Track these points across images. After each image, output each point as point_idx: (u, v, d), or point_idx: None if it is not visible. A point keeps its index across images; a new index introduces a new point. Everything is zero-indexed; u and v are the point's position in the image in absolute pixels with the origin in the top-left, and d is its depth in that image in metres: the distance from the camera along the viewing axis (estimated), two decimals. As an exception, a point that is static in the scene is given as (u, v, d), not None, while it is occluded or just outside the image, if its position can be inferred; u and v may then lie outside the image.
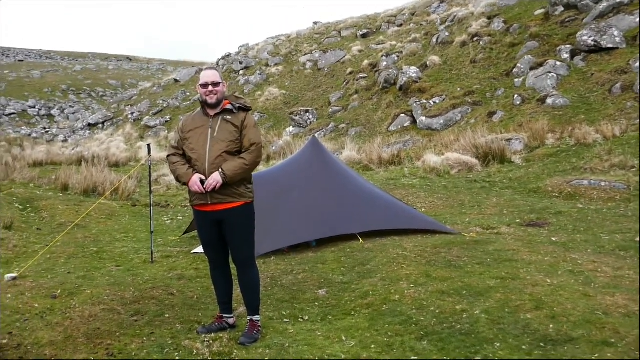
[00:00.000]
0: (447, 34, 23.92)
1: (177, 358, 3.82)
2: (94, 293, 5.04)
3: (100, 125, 39.18)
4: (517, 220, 7.58)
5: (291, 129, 24.30)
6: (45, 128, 45.49)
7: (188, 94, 35.32)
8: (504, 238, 6.44)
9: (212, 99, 4.04)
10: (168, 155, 4.24)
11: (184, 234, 7.93)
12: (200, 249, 7.01)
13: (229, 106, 4.07)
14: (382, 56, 25.52)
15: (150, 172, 6.83)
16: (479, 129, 15.25)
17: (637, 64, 14.35)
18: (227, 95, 4.16)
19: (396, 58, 24.86)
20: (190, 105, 32.91)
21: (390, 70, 22.69)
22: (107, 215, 9.42)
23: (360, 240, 6.61)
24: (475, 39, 21.56)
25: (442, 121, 18.24)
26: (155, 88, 41.27)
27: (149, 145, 6.70)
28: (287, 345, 4.03)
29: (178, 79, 40.71)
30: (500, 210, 8.43)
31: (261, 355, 3.89)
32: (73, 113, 51.25)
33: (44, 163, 19.15)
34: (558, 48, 17.48)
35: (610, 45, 16.00)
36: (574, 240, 6.28)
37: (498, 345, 3.70)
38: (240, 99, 4.19)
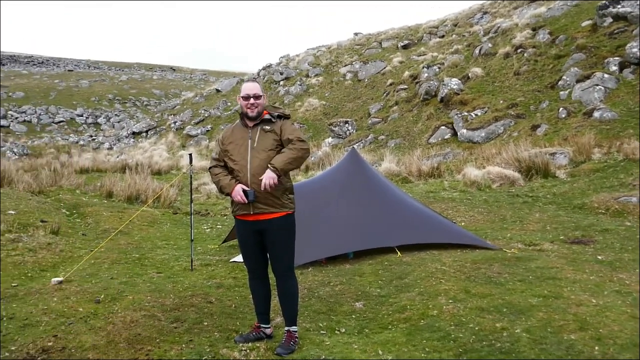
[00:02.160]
0: (490, 45, 23.63)
1: (215, 366, 3.86)
2: (136, 299, 5.15)
3: (144, 134, 40.18)
4: (561, 237, 7.38)
5: (330, 139, 24.39)
6: (91, 136, 46.99)
7: (229, 103, 35.87)
8: (547, 255, 6.27)
9: (252, 112, 4.10)
10: (210, 167, 4.30)
11: (223, 242, 8.03)
12: (239, 258, 7.09)
13: (267, 116, 4.13)
14: (423, 67, 25.39)
15: (191, 180, 6.96)
16: (522, 143, 14.96)
17: (690, 77, 13.83)
18: (266, 106, 4.21)
19: (437, 69, 24.69)
20: (231, 115, 33.43)
21: (431, 82, 22.53)
22: (149, 223, 9.63)
23: (399, 253, 6.55)
24: (519, 50, 21.22)
25: (483, 134, 17.97)
26: (197, 98, 42.12)
27: (190, 154, 6.82)
28: (324, 357, 4.03)
29: (220, 89, 41.44)
30: (543, 226, 8.22)
31: (298, 366, 3.90)
32: (118, 122, 52.82)
33: (90, 170, 19.75)
34: (606, 60, 17.02)
35: (661, 58, 15.50)
36: (622, 259, 6.06)
37: (539, 366, 3.60)
38: (278, 109, 4.24)
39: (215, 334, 4.48)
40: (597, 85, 16.09)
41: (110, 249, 7.61)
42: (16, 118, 51.15)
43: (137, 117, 53.78)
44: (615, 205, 8.95)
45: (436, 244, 6.84)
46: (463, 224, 8.80)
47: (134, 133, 41.53)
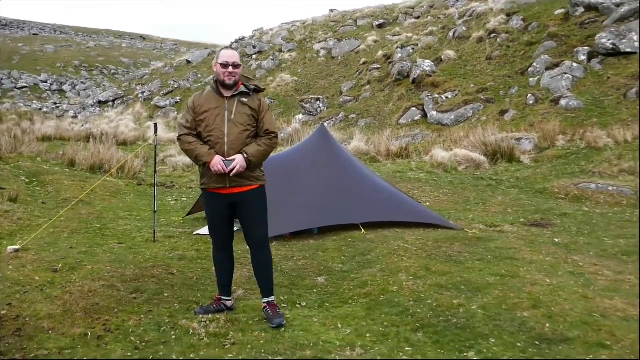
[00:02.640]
0: (464, 28, 23.73)
1: (174, 336, 3.85)
2: (95, 269, 5.08)
3: (111, 103, 39.27)
4: (521, 220, 7.55)
5: (301, 116, 24.26)
6: (56, 103, 45.73)
7: (199, 75, 35.32)
8: (507, 236, 6.41)
9: (230, 80, 3.96)
10: (181, 135, 4.07)
11: (187, 215, 7.96)
12: (203, 231, 7.05)
13: (242, 88, 4.04)
14: (397, 48, 25.38)
15: (155, 151, 6.85)
16: (490, 127, 15.17)
17: (654, 69, 14.18)
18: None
19: (411, 50, 24.72)
20: (200, 87, 32.86)
21: (404, 63, 22.56)
22: (111, 193, 9.47)
23: (363, 230, 6.61)
24: (492, 35, 21.39)
25: (453, 117, 18.14)
26: (167, 68, 41.29)
27: (155, 124, 6.71)
28: (283, 330, 4.05)
29: (190, 60, 40.67)
30: (504, 208, 8.40)
31: (257, 339, 3.90)
32: (84, 90, 51.48)
33: (53, 138, 19.22)
34: (576, 49, 17.29)
35: (629, 50, 15.79)
36: (577, 242, 6.24)
37: (493, 341, 3.69)
38: (251, 80, 4.16)
39: (175, 305, 4.46)
40: (566, 73, 16.36)
41: (70, 218, 7.47)
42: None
43: (104, 85, 52.44)
44: (574, 191, 9.19)
45: (400, 222, 6.91)
46: (428, 204, 8.91)
47: (100, 102, 40.57)
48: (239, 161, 3.93)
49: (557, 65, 16.88)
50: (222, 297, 4.39)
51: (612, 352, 3.42)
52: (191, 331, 3.93)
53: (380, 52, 26.11)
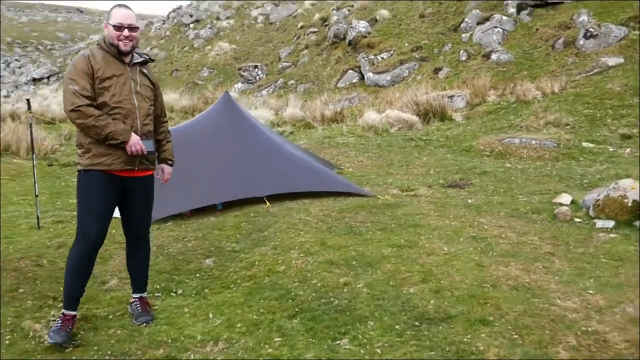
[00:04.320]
0: (399, -14, 23.19)
1: (7, 342, 3.33)
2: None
3: (46, 80, 37.45)
4: (440, 181, 7.25)
5: (240, 85, 23.49)
6: (-14, 83, 43.22)
7: (135, 47, 33.77)
8: (418, 201, 6.08)
9: (127, 46, 3.36)
10: (80, 106, 3.23)
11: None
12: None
13: (138, 58, 3.49)
14: (333, 10, 24.68)
15: (31, 129, 6.17)
16: (424, 86, 14.88)
17: (581, 19, 14.04)
18: None
19: (347, 12, 24.10)
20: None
21: (340, 25, 21.96)
22: (11, 176, 8.72)
23: (267, 204, 6.15)
24: (426, -8, 20.94)
25: (389, 77, 17.77)
26: (102, 41, 39.40)
27: (28, 100, 6.02)
28: (145, 325, 3.59)
29: (126, 32, 38.88)
30: (427, 170, 8.09)
31: (110, 337, 3.45)
32: (19, 67, 48.91)
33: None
34: (505, 2, 17.08)
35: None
36: (490, 202, 5.96)
37: (371, 324, 3.33)
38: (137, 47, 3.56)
39: (28, 302, 3.92)
40: (496, 27, 16.15)
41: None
42: None
43: (39, 62, 49.92)
44: (499, 147, 8.97)
45: (310, 193, 6.49)
46: (350, 169, 8.54)
47: (34, 79, 38.65)
48: (168, 171, 3.85)
49: (487, 19, 16.64)
50: (72, 313, 3.46)
51: (492, 329, 3.09)
52: (31, 334, 3.42)
53: (317, 16, 25.44)
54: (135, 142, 3.36)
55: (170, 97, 20.25)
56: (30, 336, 3.41)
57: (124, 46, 3.35)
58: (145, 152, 3.44)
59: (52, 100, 28.06)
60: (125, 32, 3.33)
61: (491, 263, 4.02)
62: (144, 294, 3.84)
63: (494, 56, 14.93)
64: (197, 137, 6.85)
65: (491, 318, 3.21)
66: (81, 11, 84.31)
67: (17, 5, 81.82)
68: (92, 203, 3.43)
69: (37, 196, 6.14)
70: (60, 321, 3.40)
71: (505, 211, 5.57)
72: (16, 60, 51.86)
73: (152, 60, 3.70)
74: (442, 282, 3.74)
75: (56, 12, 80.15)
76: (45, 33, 60.69)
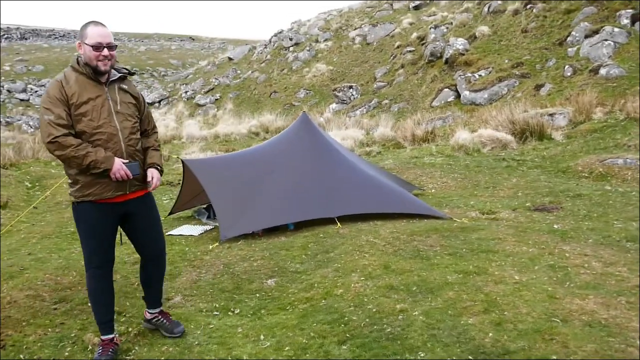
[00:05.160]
0: (499, 2, 22.38)
1: (67, 354, 3.48)
2: (32, 277, 4.79)
3: (157, 104, 39.95)
4: (527, 204, 6.76)
5: (334, 105, 23.70)
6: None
7: (239, 71, 35.30)
8: (497, 225, 5.69)
9: (105, 66, 3.22)
10: (58, 137, 3.11)
11: (169, 214, 7.63)
12: (176, 231, 6.70)
13: (116, 73, 3.36)
14: (430, 28, 24.31)
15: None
16: (523, 103, 14.14)
17: None
18: None
19: (445, 30, 23.62)
20: (240, 82, 32.86)
21: (437, 43, 21.55)
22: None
23: (338, 224, 6.05)
24: (528, 6, 20.03)
25: (486, 95, 17.12)
26: (209, 66, 41.63)
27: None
28: (197, 343, 3.61)
29: (232, 57, 40.81)
30: (515, 192, 7.59)
31: (162, 354, 3.50)
32: (136, 93, 52.76)
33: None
34: (618, 13, 15.88)
35: (676, 8, 14.32)
36: (579, 228, 5.44)
37: (422, 355, 3.11)
38: (117, 62, 3.49)
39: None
40: (607, 40, 15.03)
41: (50, 222, 7.31)
42: (35, 91, 51.50)
43: (153, 87, 53.59)
44: (599, 168, 8.25)
45: (383, 214, 6.31)
46: (433, 190, 8.23)
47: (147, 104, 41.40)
48: (157, 176, 3.46)
49: (596, 32, 15.54)
50: (109, 336, 3.48)
51: (552, 369, 2.76)
52: (90, 347, 3.55)
53: (415, 34, 25.14)
54: (119, 169, 3.22)
55: (266, 118, 20.88)
56: (88, 349, 3.54)
57: (103, 66, 3.21)
58: (131, 177, 3.31)
59: (160, 122, 29.98)
60: (105, 52, 3.19)
61: (566, 295, 3.63)
62: (162, 308, 3.86)
63: (602, 71, 13.89)
64: (272, 156, 6.92)
65: (555, 357, 2.87)
66: (193, 39, 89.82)
67: (137, 36, 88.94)
68: (88, 235, 3.37)
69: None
70: (100, 348, 3.43)
71: (595, 238, 5.05)
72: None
73: (133, 74, 3.54)
74: (505, 313, 3.42)
75: (171, 40, 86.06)
76: (159, 60, 65.17)
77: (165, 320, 3.79)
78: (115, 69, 3.38)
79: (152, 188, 3.47)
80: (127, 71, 3.46)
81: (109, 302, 3.49)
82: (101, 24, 3.29)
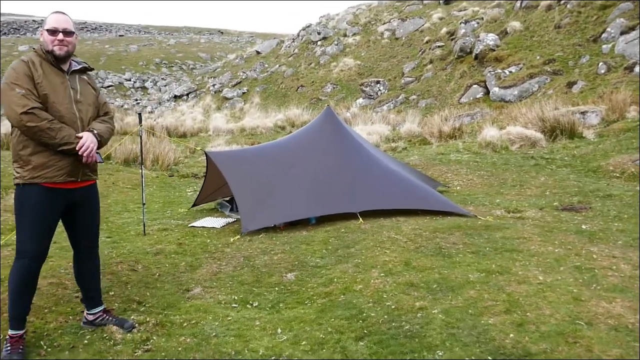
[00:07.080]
0: (532, -3, 21.96)
1: (86, 341, 3.50)
2: (55, 266, 4.86)
3: (185, 97, 40.32)
4: (555, 203, 6.61)
5: (361, 100, 23.59)
6: (137, 99, 47.74)
7: (266, 65, 35.39)
8: (523, 224, 5.56)
9: (61, 50, 3.25)
10: (33, 108, 3.10)
11: (193, 206, 7.68)
12: (202, 223, 6.73)
13: (77, 66, 3.42)
14: (460, 23, 23.97)
15: (141, 140, 6.59)
16: (554, 101, 13.84)
17: None
18: None
19: (476, 25, 23.27)
20: (267, 76, 32.94)
21: (467, 38, 21.25)
22: (133, 185, 9.39)
23: (360, 219, 6.00)
24: (562, 1, 19.59)
25: (516, 92, 16.81)
26: (237, 60, 41.82)
27: (140, 114, 6.44)
28: (215, 334, 3.61)
29: (259, 50, 40.93)
30: (542, 191, 7.43)
31: (180, 344, 3.49)
32: (165, 85, 53.38)
33: (117, 133, 19.80)
34: (655, 9, 15.42)
35: None
36: (608, 229, 5.29)
37: (440, 354, 3.05)
38: (77, 57, 3.52)
39: (115, 304, 4.13)
40: (642, 36, 14.60)
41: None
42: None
43: (182, 80, 54.14)
44: (631, 168, 8.02)
45: (406, 210, 6.24)
46: (458, 187, 8.12)
47: (175, 96, 41.79)
48: (90, 138, 3.26)
49: (633, 28, 15.12)
50: (20, 332, 3.36)
51: (575, 374, 2.68)
52: (108, 335, 3.57)
53: (444, 29, 24.82)
54: (92, 141, 3.23)
55: (293, 112, 20.89)
56: (106, 337, 3.55)
57: (58, 50, 3.24)
58: (95, 160, 3.30)
59: (188, 115, 30.27)
60: (60, 36, 3.24)
61: (591, 297, 3.52)
62: (104, 306, 3.78)
63: (637, 68, 13.50)
64: (295, 150, 6.90)
65: (577, 361, 2.78)
66: (222, 32, 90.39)
67: (166, 29, 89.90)
68: (30, 220, 3.25)
69: (144, 204, 6.52)
70: (9, 345, 3.29)
71: (625, 240, 4.90)
72: (162, 79, 56.67)
73: (92, 69, 3.57)
74: (527, 314, 3.34)
75: (200, 34, 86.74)
76: (188, 54, 65.77)
77: (111, 318, 3.72)
78: (75, 61, 3.43)
79: (79, 147, 3.22)
80: (86, 65, 3.52)
81: (32, 295, 3.43)
82: (62, 12, 3.39)
